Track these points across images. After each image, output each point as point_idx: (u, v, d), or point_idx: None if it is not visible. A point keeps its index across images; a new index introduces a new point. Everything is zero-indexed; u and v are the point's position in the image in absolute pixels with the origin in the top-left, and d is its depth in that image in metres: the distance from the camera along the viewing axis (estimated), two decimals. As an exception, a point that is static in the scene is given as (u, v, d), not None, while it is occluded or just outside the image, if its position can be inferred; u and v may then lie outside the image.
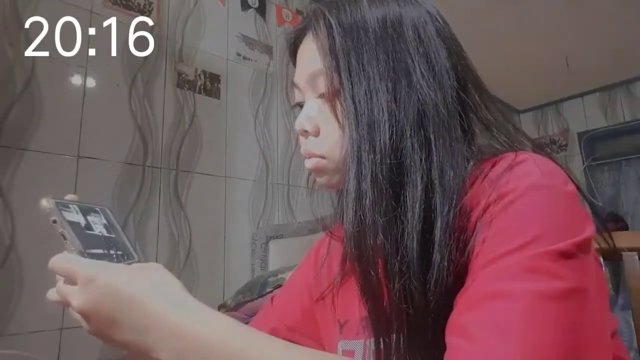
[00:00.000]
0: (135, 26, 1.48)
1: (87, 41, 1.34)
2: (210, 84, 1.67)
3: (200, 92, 1.63)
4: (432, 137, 0.39)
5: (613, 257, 0.67)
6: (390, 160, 0.39)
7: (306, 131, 0.46)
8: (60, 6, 1.29)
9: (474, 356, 0.29)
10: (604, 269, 0.67)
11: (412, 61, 0.41)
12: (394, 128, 0.39)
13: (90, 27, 1.35)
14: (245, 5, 1.89)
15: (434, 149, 0.39)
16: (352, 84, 0.41)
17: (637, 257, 0.65)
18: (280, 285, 1.03)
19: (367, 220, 0.38)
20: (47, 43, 1.25)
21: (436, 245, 0.36)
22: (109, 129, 1.35)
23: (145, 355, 0.35)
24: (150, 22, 1.52)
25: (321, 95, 0.46)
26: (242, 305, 1.20)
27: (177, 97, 1.56)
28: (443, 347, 0.32)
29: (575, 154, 3.71)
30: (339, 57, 0.42)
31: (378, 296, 0.38)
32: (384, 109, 0.39)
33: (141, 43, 1.48)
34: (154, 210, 1.42)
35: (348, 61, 0.41)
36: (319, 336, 0.56)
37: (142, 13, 1.51)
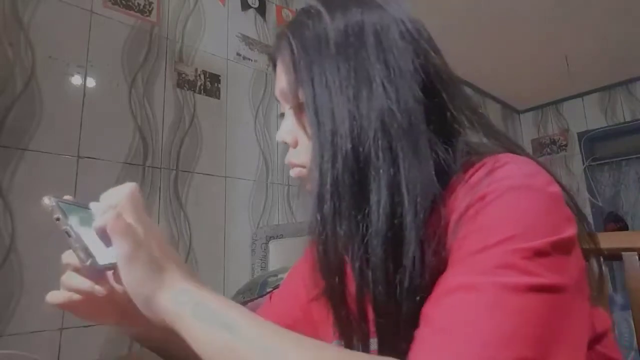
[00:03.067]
0: (135, 26, 1.48)
1: (87, 41, 1.34)
2: (210, 84, 1.67)
3: (200, 92, 1.63)
4: (395, 144, 0.39)
5: (612, 257, 0.67)
6: (352, 169, 0.39)
7: (286, 143, 0.48)
8: (60, 6, 1.29)
9: (434, 344, 0.29)
10: (603, 268, 0.67)
11: (373, 69, 0.41)
12: (356, 137, 0.39)
13: (90, 27, 1.35)
14: (245, 5, 1.89)
15: (399, 156, 0.39)
16: (313, 96, 0.42)
17: (637, 257, 0.65)
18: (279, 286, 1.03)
19: (327, 228, 0.39)
20: (47, 43, 1.25)
21: (407, 251, 0.36)
22: (109, 129, 1.35)
23: (143, 288, 0.36)
24: (150, 22, 1.52)
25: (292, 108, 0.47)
26: (242, 305, 1.20)
27: (177, 97, 1.56)
28: None
29: (575, 154, 3.71)
30: (300, 72, 0.43)
31: (342, 301, 0.40)
32: (345, 119, 0.40)
33: (141, 43, 1.49)
34: (154, 210, 1.42)
35: (309, 74, 0.42)
36: (318, 335, 0.56)
37: (142, 13, 1.51)
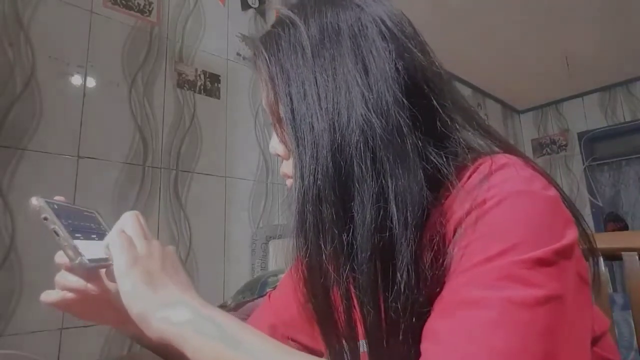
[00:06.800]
0: (135, 26, 1.48)
1: (87, 41, 1.34)
2: (210, 84, 1.67)
3: (200, 92, 1.63)
4: (379, 155, 0.37)
5: (612, 257, 0.67)
6: (334, 185, 0.37)
7: (278, 155, 0.47)
8: (60, 6, 1.29)
9: (440, 358, 0.29)
10: (603, 268, 0.67)
11: (351, 76, 0.39)
12: (337, 151, 0.37)
13: (90, 27, 1.35)
14: (245, 5, 1.89)
15: (384, 166, 0.37)
16: (292, 111, 0.40)
17: (637, 257, 0.65)
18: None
19: (310, 247, 0.38)
20: (47, 43, 1.25)
21: (400, 267, 0.35)
22: (109, 129, 1.35)
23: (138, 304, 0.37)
24: (150, 22, 1.52)
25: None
26: (242, 305, 1.20)
27: (177, 97, 1.56)
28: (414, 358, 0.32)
29: (575, 154, 3.71)
30: (278, 87, 0.42)
31: (329, 318, 0.40)
32: (325, 133, 0.38)
33: (141, 43, 1.49)
34: (154, 210, 1.42)
35: (287, 89, 0.41)
36: (315, 334, 0.56)
37: (142, 13, 1.51)
